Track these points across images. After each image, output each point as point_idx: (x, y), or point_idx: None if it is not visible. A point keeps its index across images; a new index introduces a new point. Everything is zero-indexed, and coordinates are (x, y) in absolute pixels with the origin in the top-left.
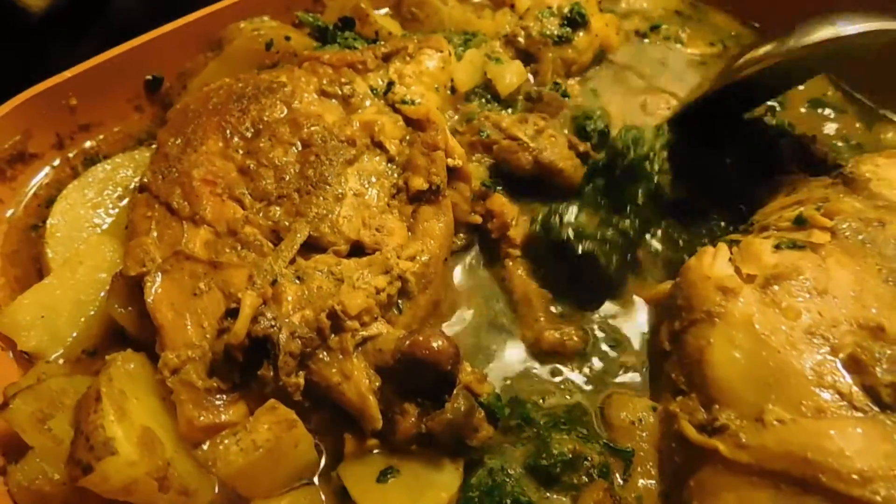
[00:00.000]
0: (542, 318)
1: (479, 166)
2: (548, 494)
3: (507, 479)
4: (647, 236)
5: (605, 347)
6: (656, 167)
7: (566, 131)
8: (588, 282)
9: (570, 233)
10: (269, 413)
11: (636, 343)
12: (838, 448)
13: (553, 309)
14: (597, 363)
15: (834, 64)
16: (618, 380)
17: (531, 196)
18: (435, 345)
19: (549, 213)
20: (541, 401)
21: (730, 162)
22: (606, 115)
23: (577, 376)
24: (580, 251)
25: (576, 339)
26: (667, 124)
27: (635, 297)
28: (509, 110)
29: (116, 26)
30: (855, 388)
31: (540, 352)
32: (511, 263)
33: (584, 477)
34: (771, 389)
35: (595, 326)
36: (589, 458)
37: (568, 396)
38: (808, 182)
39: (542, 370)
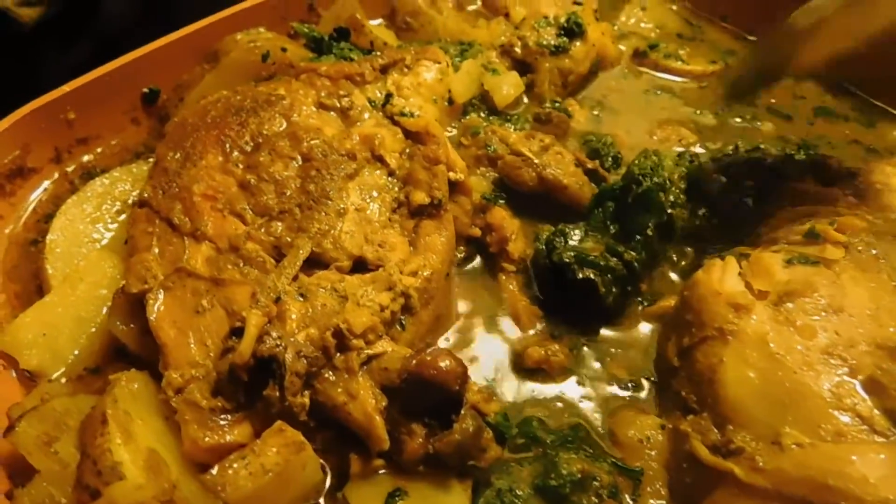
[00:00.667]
0: (530, 334)
1: (483, 180)
2: None
3: (516, 500)
4: (652, 269)
5: (605, 362)
6: (671, 198)
7: (574, 150)
8: (583, 308)
9: (572, 256)
10: (276, 435)
11: (639, 358)
12: (861, 475)
13: (539, 326)
14: (599, 379)
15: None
16: (623, 394)
17: (535, 213)
18: (443, 364)
19: (555, 232)
20: (546, 418)
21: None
22: (616, 139)
23: (580, 392)
24: (579, 277)
25: (561, 356)
26: (688, 156)
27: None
28: (508, 124)
29: (107, 34)
30: (876, 412)
31: (525, 367)
32: (504, 278)
33: (593, 497)
34: (787, 411)
35: (596, 340)
36: (598, 479)
37: (570, 415)
38: (818, 192)
39: (545, 387)
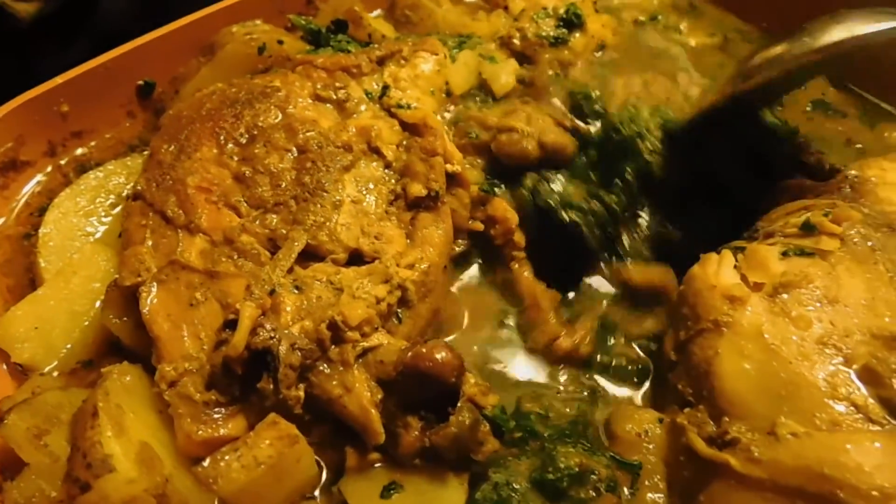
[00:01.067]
0: (553, 321)
1: (472, 169)
2: None
3: (513, 494)
4: (635, 218)
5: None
6: (649, 146)
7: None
8: (571, 255)
9: (557, 199)
10: (270, 428)
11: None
12: (856, 463)
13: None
14: (599, 373)
15: (839, 64)
16: (621, 391)
17: None
18: (439, 356)
19: (539, 179)
20: (544, 412)
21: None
22: (608, 96)
23: (578, 386)
24: (566, 220)
25: (588, 344)
26: (662, 118)
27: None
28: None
29: (105, 31)
30: (871, 401)
31: (553, 358)
32: (517, 266)
33: (591, 491)
34: (783, 401)
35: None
36: (596, 472)
37: (570, 409)
38: (814, 187)
39: (543, 381)
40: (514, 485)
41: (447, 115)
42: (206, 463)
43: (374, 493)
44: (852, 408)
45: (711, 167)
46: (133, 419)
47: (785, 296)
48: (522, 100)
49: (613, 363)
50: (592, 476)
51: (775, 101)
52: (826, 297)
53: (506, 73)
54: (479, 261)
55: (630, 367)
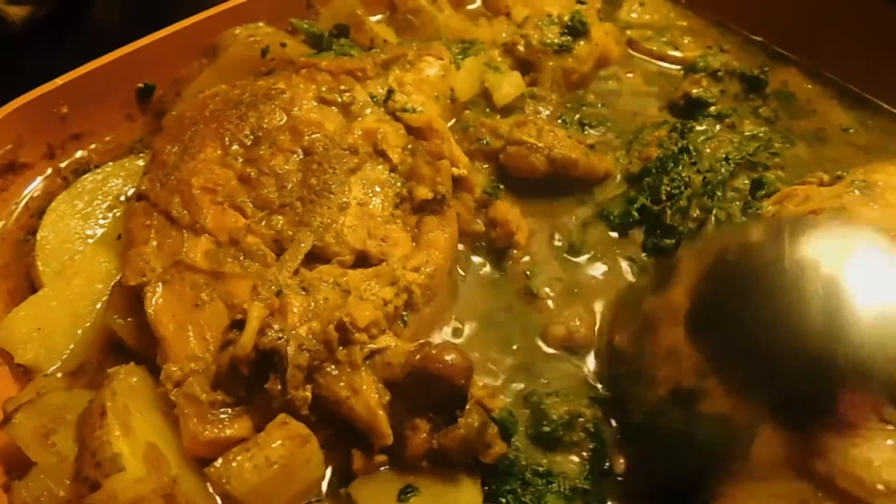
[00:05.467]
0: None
1: (479, 173)
2: (556, 458)
3: (519, 454)
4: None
5: None
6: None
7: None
8: None
9: None
10: (280, 428)
11: None
12: (866, 458)
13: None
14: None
15: None
16: None
17: (538, 195)
18: (448, 358)
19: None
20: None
21: None
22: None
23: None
24: None
25: (583, 331)
26: None
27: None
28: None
29: (97, 35)
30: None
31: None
32: (515, 266)
33: (581, 433)
34: None
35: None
36: (582, 415)
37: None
38: (820, 192)
39: (549, 377)
40: (516, 443)
41: (453, 120)
42: (217, 463)
43: (391, 497)
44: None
45: None
46: (140, 420)
47: None
48: (535, 111)
49: None
50: (580, 419)
51: None
52: None
53: (508, 84)
54: (482, 260)
55: None
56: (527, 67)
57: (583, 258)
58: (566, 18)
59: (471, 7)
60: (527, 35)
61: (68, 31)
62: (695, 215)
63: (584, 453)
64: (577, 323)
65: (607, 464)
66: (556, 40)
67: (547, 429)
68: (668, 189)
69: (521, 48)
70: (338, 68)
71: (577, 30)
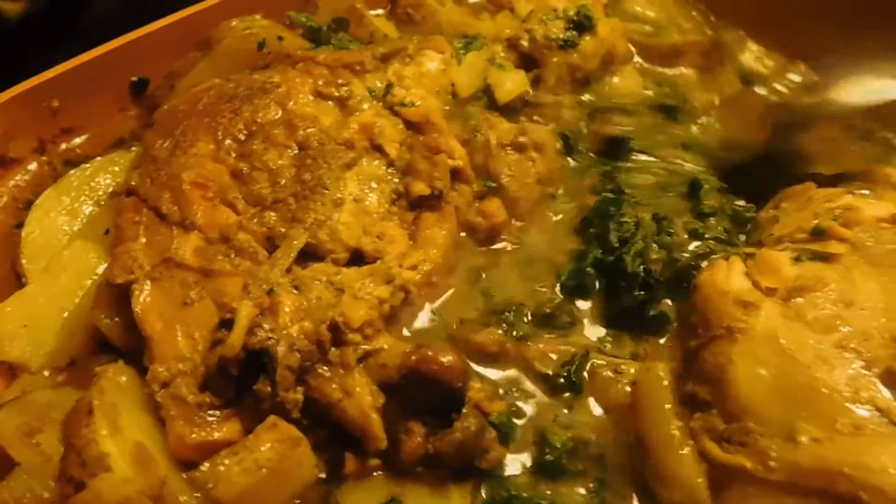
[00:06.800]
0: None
1: None
2: (561, 490)
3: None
4: None
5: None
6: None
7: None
8: None
9: None
10: (270, 430)
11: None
12: (881, 465)
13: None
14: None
15: None
16: None
17: None
18: (444, 360)
19: None
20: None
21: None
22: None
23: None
24: None
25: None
26: None
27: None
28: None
29: (95, 31)
30: (895, 404)
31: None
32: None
33: (587, 461)
34: (802, 407)
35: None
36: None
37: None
38: (822, 192)
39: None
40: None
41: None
42: (204, 467)
43: None
44: (876, 412)
45: None
46: (128, 419)
47: (799, 300)
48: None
49: None
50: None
51: None
52: (842, 301)
53: (511, 82)
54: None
55: None
56: (531, 63)
57: None
58: (571, 13)
59: (473, 1)
60: (531, 29)
61: (64, 28)
62: (654, 257)
63: (591, 484)
64: None
65: None
66: (560, 35)
67: (550, 458)
68: (619, 234)
69: (524, 43)
70: (335, 62)
71: (582, 24)
